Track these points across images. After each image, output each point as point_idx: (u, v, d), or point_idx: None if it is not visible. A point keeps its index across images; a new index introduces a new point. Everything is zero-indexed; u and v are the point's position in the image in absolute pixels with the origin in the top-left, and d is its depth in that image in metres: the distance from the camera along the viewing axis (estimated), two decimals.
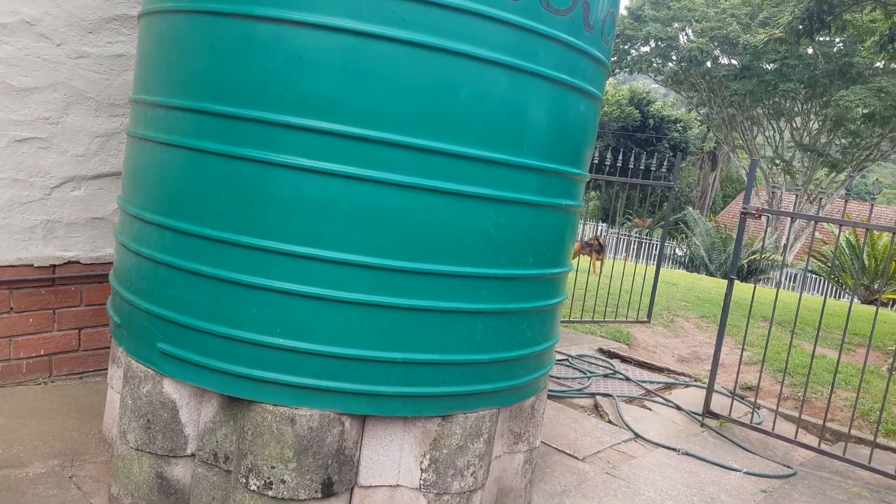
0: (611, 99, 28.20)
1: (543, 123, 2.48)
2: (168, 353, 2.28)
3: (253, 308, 2.16)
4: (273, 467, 2.16)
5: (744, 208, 4.02)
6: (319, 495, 2.20)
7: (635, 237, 20.68)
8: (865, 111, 19.08)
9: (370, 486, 2.37)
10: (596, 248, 8.01)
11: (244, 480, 2.17)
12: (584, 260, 8.29)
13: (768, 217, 16.56)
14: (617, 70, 25.01)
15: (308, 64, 2.14)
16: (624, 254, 18.26)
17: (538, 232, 2.54)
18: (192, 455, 2.36)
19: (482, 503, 2.66)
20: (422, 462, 2.40)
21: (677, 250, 18.86)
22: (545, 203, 2.54)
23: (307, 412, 2.18)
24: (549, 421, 4.11)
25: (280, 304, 2.15)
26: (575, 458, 3.66)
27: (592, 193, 28.36)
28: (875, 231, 13.65)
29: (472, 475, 2.52)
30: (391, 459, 2.39)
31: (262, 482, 2.16)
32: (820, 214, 20.75)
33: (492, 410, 2.57)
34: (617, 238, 19.84)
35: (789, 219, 4.00)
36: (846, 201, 3.81)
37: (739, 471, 3.75)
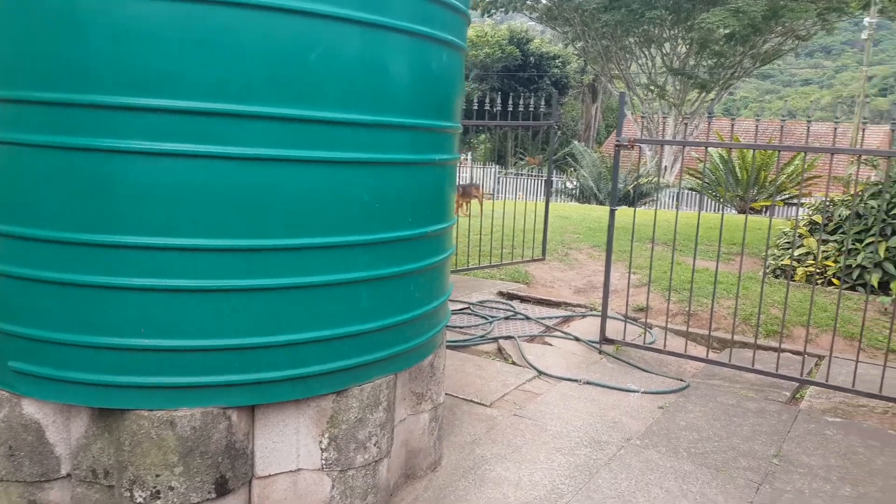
0: (490, 40, 28.23)
1: (406, 79, 2.39)
2: (23, 372, 2.08)
3: (111, 311, 1.99)
4: (158, 475, 2.03)
5: (617, 141, 4.11)
6: (213, 495, 2.10)
7: (527, 175, 21.09)
8: (726, 31, 20.02)
9: (269, 476, 2.29)
10: (461, 193, 8.17)
11: (128, 494, 2.04)
12: (476, 205, 8.36)
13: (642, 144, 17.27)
14: (493, 10, 24.97)
15: (137, 37, 1.94)
16: (519, 193, 18.59)
17: (414, 191, 2.48)
18: (68, 475, 2.18)
19: (389, 470, 2.65)
20: (321, 442, 2.34)
21: (568, 183, 19.40)
22: (417, 161, 2.47)
23: (187, 412, 2.05)
24: (454, 372, 4.14)
25: (140, 303, 1.99)
26: (482, 405, 3.71)
27: (483, 137, 28.58)
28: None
29: (375, 445, 2.49)
30: (288, 445, 2.32)
31: (148, 493, 2.03)
32: (691, 136, 21.79)
33: (388, 377, 2.53)
34: (507, 178, 20.15)
35: (664, 143, 4.14)
36: (709, 122, 3.96)
37: (637, 391, 3.93)
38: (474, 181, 8.83)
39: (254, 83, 2.02)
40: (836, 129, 3.84)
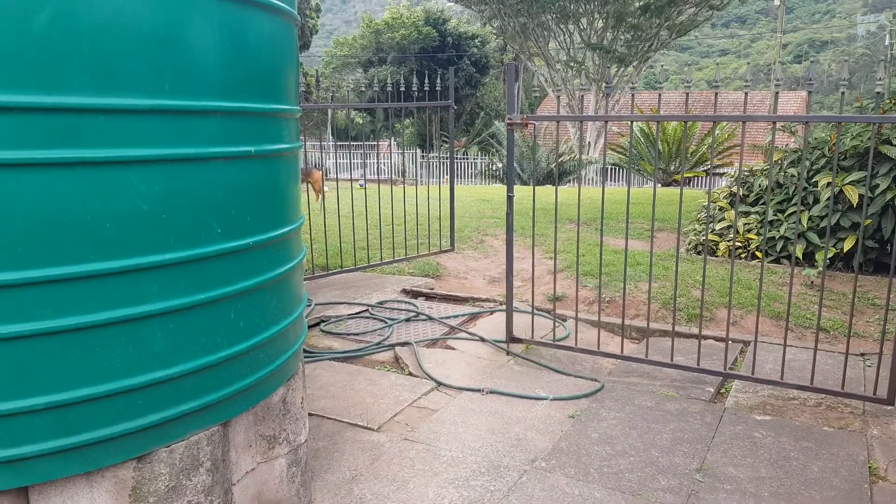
0: (406, 21, 27.52)
1: (208, 48, 1.84)
2: None
3: None
4: None
5: (508, 119, 3.65)
6: None
7: (456, 159, 20.66)
8: (641, 3, 19.97)
9: None
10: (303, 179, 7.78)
11: None
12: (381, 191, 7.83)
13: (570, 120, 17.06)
14: None
15: None
16: (445, 177, 18.08)
17: (226, 193, 1.93)
18: None
19: None
20: None
21: (492, 165, 19.04)
22: (230, 154, 1.92)
23: None
24: (342, 389, 3.63)
25: None
26: (370, 429, 3.22)
27: (407, 121, 27.90)
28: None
29: None
30: None
31: None
32: (613, 110, 21.74)
33: (211, 430, 2.00)
34: (432, 161, 19.65)
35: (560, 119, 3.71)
36: (606, 96, 3.54)
37: (546, 398, 3.51)
38: (313, 164, 8.71)
39: None
40: (746, 95, 3.48)
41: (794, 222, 5.90)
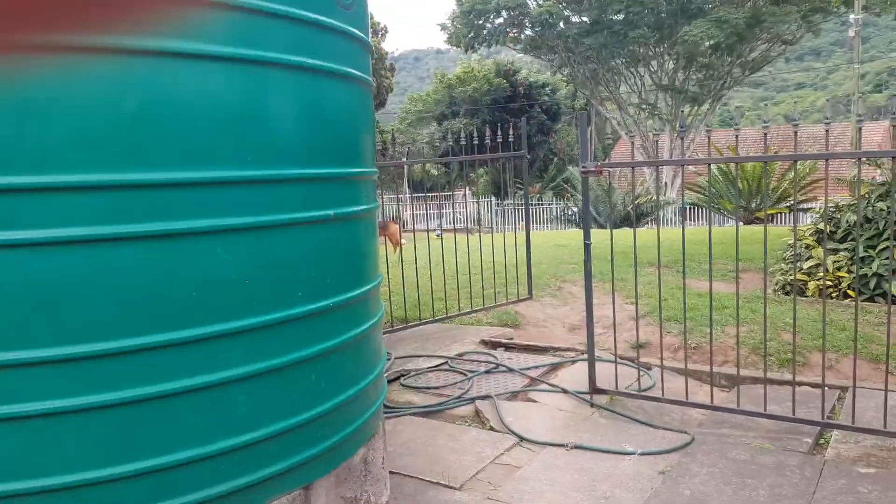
0: (478, 75, 28.14)
1: (287, 119, 1.95)
2: None
3: None
4: None
5: (583, 167, 3.64)
6: None
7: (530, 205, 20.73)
8: (711, 43, 19.74)
9: None
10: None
11: None
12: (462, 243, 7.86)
13: (651, 162, 16.86)
14: (476, 45, 24.98)
15: None
16: (521, 223, 18.12)
17: (307, 256, 2.00)
18: None
19: None
20: None
21: (567, 210, 18.96)
22: (304, 219, 2.00)
23: None
24: (424, 446, 3.61)
25: None
26: (451, 488, 3.16)
27: (481, 171, 28.27)
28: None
29: None
30: None
31: None
32: (688, 149, 21.34)
33: (293, 494, 2.03)
34: (506, 209, 19.74)
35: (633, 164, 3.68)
36: (681, 138, 3.48)
37: (633, 453, 3.38)
38: (390, 217, 8.73)
39: (60, 148, 1.57)
40: (827, 131, 3.34)
41: (888, 258, 5.57)
